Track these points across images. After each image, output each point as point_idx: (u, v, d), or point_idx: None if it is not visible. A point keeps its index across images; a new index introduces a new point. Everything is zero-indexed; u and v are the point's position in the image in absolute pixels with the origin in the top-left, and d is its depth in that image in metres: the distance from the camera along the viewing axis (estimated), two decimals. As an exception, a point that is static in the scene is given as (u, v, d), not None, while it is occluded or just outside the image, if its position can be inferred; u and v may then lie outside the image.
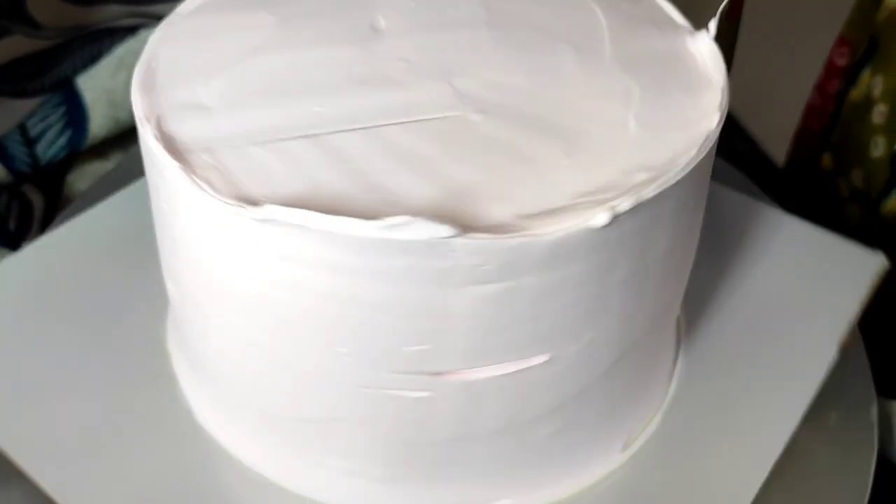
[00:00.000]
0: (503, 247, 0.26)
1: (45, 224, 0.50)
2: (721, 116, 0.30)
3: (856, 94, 0.53)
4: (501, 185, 0.28)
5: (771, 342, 0.39)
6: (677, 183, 0.28)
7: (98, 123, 0.50)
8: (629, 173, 0.28)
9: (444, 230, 0.25)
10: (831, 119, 0.56)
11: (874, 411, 0.37)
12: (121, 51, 0.50)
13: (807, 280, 0.41)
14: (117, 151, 0.52)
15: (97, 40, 0.50)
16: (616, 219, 0.26)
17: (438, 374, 0.29)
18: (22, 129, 0.49)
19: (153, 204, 0.32)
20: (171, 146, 0.29)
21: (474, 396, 0.29)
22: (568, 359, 0.29)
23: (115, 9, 0.50)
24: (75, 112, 0.50)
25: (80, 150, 0.50)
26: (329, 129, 0.29)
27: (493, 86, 0.31)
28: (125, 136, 0.52)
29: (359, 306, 0.27)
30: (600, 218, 0.26)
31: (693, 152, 0.29)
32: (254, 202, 0.26)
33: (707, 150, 0.29)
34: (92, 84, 0.50)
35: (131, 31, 0.50)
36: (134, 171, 0.45)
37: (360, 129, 0.29)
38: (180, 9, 0.35)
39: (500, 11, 0.34)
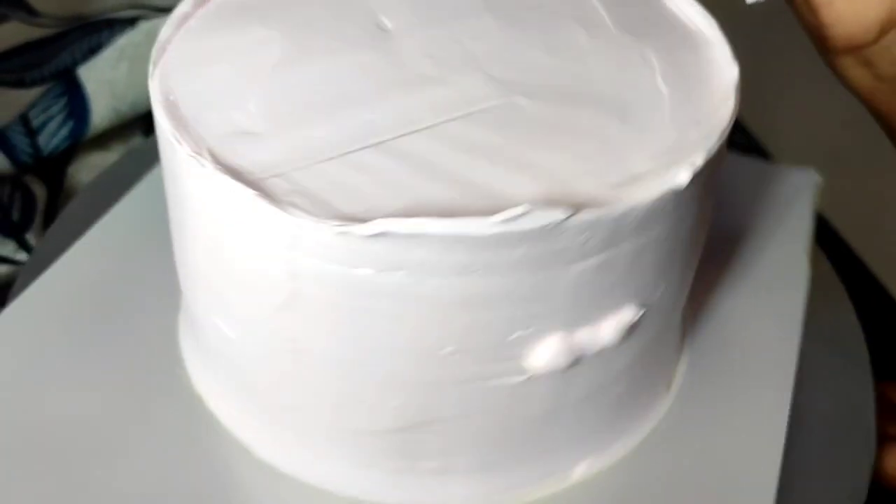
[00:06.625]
0: (609, 218, 0.27)
1: (49, 215, 0.50)
2: (733, 64, 0.32)
3: None
4: (579, 163, 0.29)
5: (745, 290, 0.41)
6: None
7: (100, 115, 0.50)
8: (683, 131, 0.30)
9: (559, 213, 0.26)
10: None
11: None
12: (122, 42, 0.50)
13: (758, 214, 0.44)
14: (119, 143, 0.52)
15: (97, 31, 0.50)
16: (695, 176, 0.28)
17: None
18: (24, 119, 0.49)
19: (192, 230, 0.31)
20: (240, 177, 0.27)
21: (565, 372, 0.30)
22: (649, 308, 0.31)
23: (114, -1, 0.50)
24: (77, 103, 0.50)
25: (81, 142, 0.50)
26: (391, 135, 0.29)
27: (526, 69, 0.32)
28: (126, 128, 0.52)
29: (470, 305, 0.28)
30: (682, 177, 0.28)
31: (730, 102, 0.30)
32: (356, 219, 0.26)
33: (737, 99, 0.31)
34: (93, 75, 0.50)
35: (130, 22, 0.50)
36: (136, 163, 0.46)
37: (422, 129, 0.29)
38: (164, 34, 0.33)
39: (523, 10, 0.34)
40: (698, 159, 0.28)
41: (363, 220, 0.26)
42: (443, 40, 0.33)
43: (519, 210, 0.26)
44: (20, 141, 0.49)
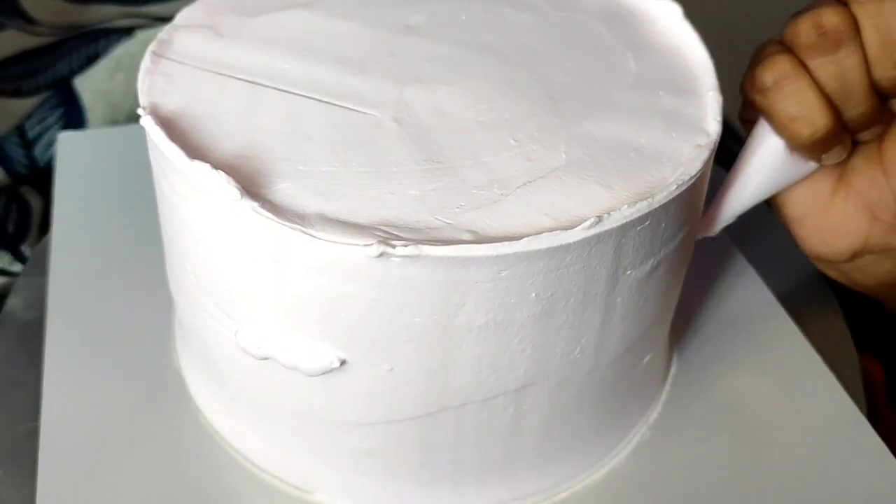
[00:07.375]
0: (276, 231, 0.26)
1: (44, 226, 0.50)
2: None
3: None
4: (332, 184, 0.27)
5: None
6: (479, 260, 0.25)
7: (96, 125, 0.50)
8: (456, 229, 0.26)
9: (232, 190, 0.26)
10: None
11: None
12: (118, 52, 0.50)
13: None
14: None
15: (93, 40, 0.50)
16: (388, 258, 0.25)
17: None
18: (20, 130, 0.49)
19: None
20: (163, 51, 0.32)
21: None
22: (364, 371, 0.28)
23: (110, 9, 0.50)
24: (73, 114, 0.50)
25: (77, 152, 0.50)
26: (269, 83, 0.31)
27: (434, 107, 0.31)
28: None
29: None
30: (372, 249, 0.25)
31: (518, 246, 0.25)
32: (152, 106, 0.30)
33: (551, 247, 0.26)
34: (89, 86, 0.50)
35: (127, 32, 0.50)
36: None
37: (291, 93, 0.31)
38: None
39: (531, 51, 0.33)
40: (402, 249, 0.25)
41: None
42: (422, 55, 0.33)
43: (200, 167, 0.27)
44: (16, 152, 0.49)
